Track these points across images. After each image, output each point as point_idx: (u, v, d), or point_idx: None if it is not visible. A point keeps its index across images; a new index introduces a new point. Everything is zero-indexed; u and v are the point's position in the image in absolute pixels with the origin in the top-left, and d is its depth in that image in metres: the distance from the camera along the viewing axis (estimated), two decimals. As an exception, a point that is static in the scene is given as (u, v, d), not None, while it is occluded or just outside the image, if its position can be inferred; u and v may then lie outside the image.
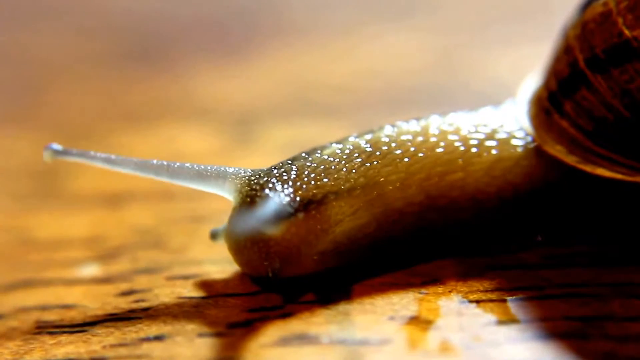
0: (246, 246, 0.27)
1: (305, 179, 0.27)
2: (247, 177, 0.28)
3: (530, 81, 0.30)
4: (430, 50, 0.46)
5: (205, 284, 0.29)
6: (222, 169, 0.28)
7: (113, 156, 0.29)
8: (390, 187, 0.27)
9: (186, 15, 0.57)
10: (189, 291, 0.28)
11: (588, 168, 0.26)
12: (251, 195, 0.27)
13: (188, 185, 0.29)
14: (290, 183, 0.27)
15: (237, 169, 0.28)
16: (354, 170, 0.27)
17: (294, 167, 0.27)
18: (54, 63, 0.52)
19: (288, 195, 0.27)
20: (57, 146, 0.29)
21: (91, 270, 0.31)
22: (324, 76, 0.45)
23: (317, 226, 0.27)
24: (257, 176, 0.28)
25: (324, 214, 0.27)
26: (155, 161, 0.29)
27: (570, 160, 0.27)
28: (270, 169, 0.28)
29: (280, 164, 0.28)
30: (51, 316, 0.28)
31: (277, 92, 0.44)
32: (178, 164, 0.28)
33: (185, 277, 0.29)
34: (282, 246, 0.26)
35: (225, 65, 0.48)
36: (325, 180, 0.27)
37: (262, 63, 0.48)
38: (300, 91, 0.44)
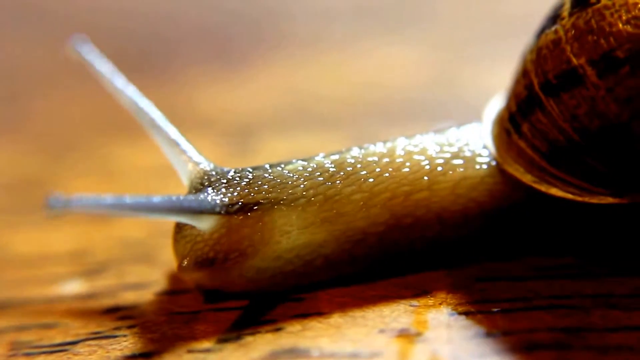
0: (176, 239, 0.27)
1: (257, 188, 0.27)
2: (204, 170, 0.28)
3: (496, 101, 0.31)
4: (428, 63, 0.47)
5: (195, 299, 0.28)
6: (191, 152, 0.28)
7: (117, 80, 0.30)
8: (352, 206, 0.27)
9: (183, 26, 0.56)
10: (179, 306, 0.28)
11: (543, 187, 0.27)
12: (197, 187, 0.27)
13: (160, 147, 0.29)
14: (239, 188, 0.27)
15: (201, 159, 0.28)
16: (312, 188, 0.27)
17: (250, 175, 0.28)
18: (38, 70, 0.51)
19: (229, 197, 0.27)
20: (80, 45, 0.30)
21: (74, 286, 0.30)
22: (322, 88, 0.45)
23: (257, 234, 0.26)
24: (213, 173, 0.28)
25: (267, 223, 0.27)
26: (149, 112, 0.29)
27: (527, 179, 0.27)
28: (227, 171, 0.28)
29: (240, 169, 0.28)
30: (29, 336, 0.27)
31: (276, 104, 0.44)
32: (165, 125, 0.29)
33: (175, 292, 0.29)
34: (208, 245, 0.26)
35: (223, 77, 0.48)
36: (278, 192, 0.27)
37: (261, 75, 0.48)
38: (299, 103, 0.44)
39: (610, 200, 0.26)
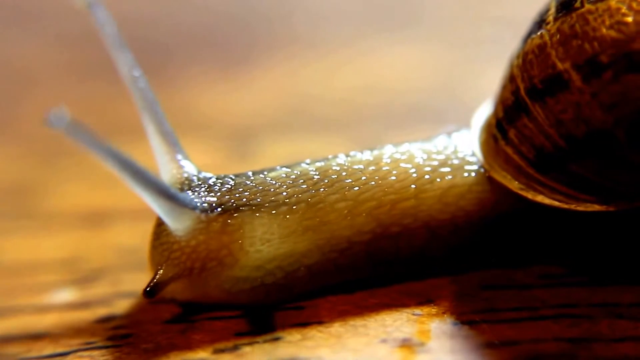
0: (154, 246, 0.27)
1: (237, 195, 0.27)
2: (185, 175, 0.27)
3: (485, 107, 0.31)
4: (431, 65, 0.47)
5: (191, 307, 0.27)
6: (177, 154, 0.28)
7: (117, 38, 0.29)
8: (336, 215, 0.27)
9: (181, 29, 0.56)
10: (174, 315, 0.27)
11: (530, 195, 0.27)
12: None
13: (150, 139, 0.28)
14: (219, 194, 0.27)
15: (186, 163, 0.28)
16: (295, 196, 0.27)
17: (232, 181, 0.27)
18: (32, 71, 0.50)
19: (208, 202, 0.26)
20: None
21: (66, 295, 0.29)
22: (323, 90, 0.45)
23: (236, 242, 0.26)
24: (194, 178, 0.27)
25: (248, 231, 0.26)
26: (148, 94, 0.28)
27: (514, 186, 0.27)
28: (209, 177, 0.28)
29: (223, 176, 0.28)
30: (16, 348, 0.27)
31: (276, 106, 0.44)
32: (161, 116, 0.28)
33: (171, 301, 0.28)
34: (185, 254, 0.26)
35: (222, 79, 0.47)
36: (258, 200, 0.27)
37: (260, 76, 0.47)
38: (300, 105, 0.43)
39: (597, 207, 0.26)
